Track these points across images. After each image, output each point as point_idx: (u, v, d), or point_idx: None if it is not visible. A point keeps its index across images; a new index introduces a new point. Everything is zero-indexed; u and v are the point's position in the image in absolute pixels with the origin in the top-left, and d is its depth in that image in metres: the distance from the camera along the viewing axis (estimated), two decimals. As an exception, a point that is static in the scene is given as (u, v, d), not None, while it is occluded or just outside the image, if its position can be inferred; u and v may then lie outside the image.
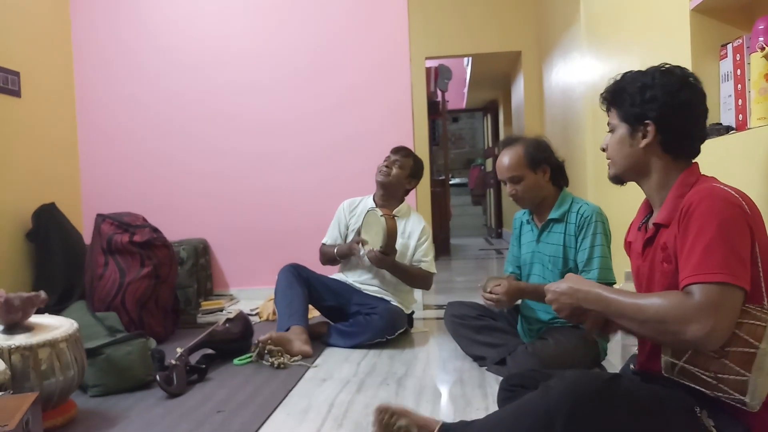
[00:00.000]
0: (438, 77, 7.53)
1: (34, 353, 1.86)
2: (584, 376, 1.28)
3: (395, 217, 2.93)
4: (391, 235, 2.84)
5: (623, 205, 2.46)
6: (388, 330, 2.91)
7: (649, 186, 1.45)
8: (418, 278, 3.10)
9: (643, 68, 1.45)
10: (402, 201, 3.25)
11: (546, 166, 2.39)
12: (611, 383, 1.26)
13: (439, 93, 7.80)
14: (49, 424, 1.91)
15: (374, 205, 3.17)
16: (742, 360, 1.17)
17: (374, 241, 2.92)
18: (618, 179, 1.50)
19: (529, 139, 2.45)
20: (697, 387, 1.25)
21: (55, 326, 2.02)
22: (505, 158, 2.40)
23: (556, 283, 1.48)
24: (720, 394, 1.22)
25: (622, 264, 2.28)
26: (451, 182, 9.62)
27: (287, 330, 2.79)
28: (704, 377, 1.22)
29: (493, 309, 2.49)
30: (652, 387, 1.35)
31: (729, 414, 1.23)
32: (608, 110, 1.50)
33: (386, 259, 2.91)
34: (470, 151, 13.89)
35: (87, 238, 3.55)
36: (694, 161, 1.43)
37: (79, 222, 4.05)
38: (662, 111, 1.38)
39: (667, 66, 1.42)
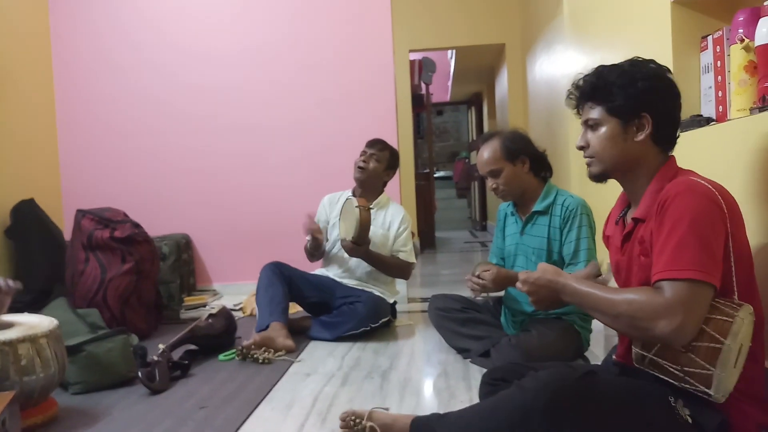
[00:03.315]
0: (422, 70, 7.51)
1: (13, 348, 1.83)
2: (558, 373, 1.29)
3: (370, 209, 2.94)
4: (363, 226, 2.85)
5: (608, 197, 2.47)
6: (372, 318, 2.91)
7: (631, 180, 1.44)
8: (393, 268, 3.11)
9: (626, 59, 1.44)
10: (381, 193, 3.25)
11: (524, 157, 2.39)
12: (585, 378, 1.27)
13: (423, 86, 7.79)
14: (29, 422, 1.88)
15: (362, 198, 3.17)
16: (707, 355, 1.18)
17: (348, 230, 2.93)
18: (603, 176, 1.46)
19: (506, 132, 2.47)
20: (666, 378, 1.27)
21: (35, 323, 1.99)
22: (484, 153, 2.42)
23: (532, 273, 1.47)
24: (687, 386, 1.23)
25: (605, 256, 2.30)
26: (435, 175, 9.62)
27: (267, 327, 2.78)
28: (672, 370, 1.24)
29: (476, 298, 2.49)
30: (628, 380, 1.36)
31: (706, 403, 1.25)
32: (582, 107, 1.47)
33: (358, 249, 2.92)
34: (455, 144, 13.93)
35: (67, 234, 3.51)
36: (671, 154, 1.43)
37: (59, 218, 4.00)
38: (659, 102, 1.38)
39: (641, 58, 1.42)
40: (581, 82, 1.47)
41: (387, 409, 1.83)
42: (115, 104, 4.19)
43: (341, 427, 1.71)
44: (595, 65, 1.48)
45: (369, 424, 1.65)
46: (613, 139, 1.41)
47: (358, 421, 1.67)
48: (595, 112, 1.43)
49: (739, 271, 1.26)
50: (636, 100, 1.37)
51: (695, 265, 1.19)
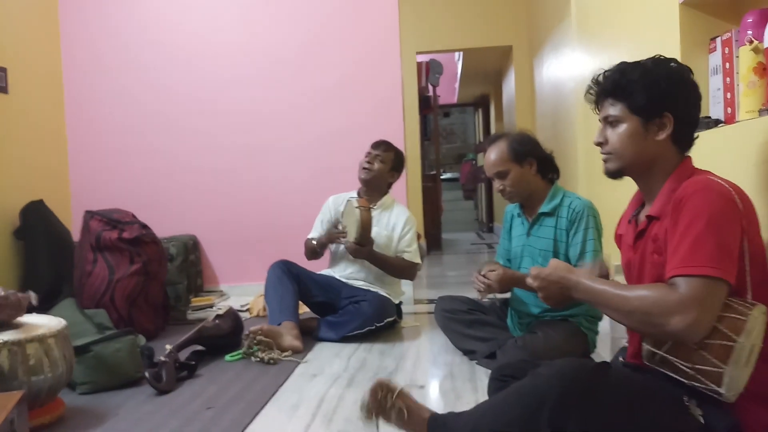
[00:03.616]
0: (429, 72, 7.52)
1: (22, 348, 1.84)
2: (573, 362, 1.29)
3: (370, 209, 2.94)
4: (364, 226, 2.85)
5: (614, 198, 2.46)
6: (377, 317, 2.92)
7: (647, 179, 1.43)
8: (398, 268, 3.11)
9: (648, 57, 1.43)
10: (386, 194, 3.26)
11: (532, 159, 2.39)
12: (600, 369, 1.28)
13: (430, 88, 7.80)
14: (36, 422, 1.89)
15: (363, 199, 3.18)
16: (720, 353, 1.18)
17: (351, 231, 2.93)
18: (620, 174, 1.46)
19: (513, 133, 2.47)
20: (676, 376, 1.26)
21: (43, 323, 2.00)
22: (491, 154, 2.41)
23: (544, 269, 1.47)
24: (697, 384, 1.23)
25: (611, 257, 2.29)
26: (442, 177, 9.62)
27: (279, 325, 2.79)
28: (683, 367, 1.24)
29: (482, 300, 2.49)
30: (643, 375, 1.36)
31: (717, 404, 1.24)
32: (603, 103, 1.46)
33: (362, 249, 2.92)
34: (462, 146, 13.91)
35: (76, 235, 3.53)
36: (688, 155, 1.43)
37: (67, 219, 4.02)
38: (681, 102, 1.37)
39: (662, 57, 1.42)
40: (602, 78, 1.45)
41: (422, 387, 1.71)
42: (123, 106, 4.21)
43: (370, 389, 1.60)
44: (603, 68, 1.48)
45: (399, 403, 1.57)
46: (634, 137, 1.40)
47: (389, 394, 1.59)
48: (615, 109, 1.42)
49: (753, 271, 1.25)
50: (659, 100, 1.36)
51: (711, 261, 1.19)
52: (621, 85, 1.41)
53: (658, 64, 1.40)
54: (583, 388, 1.23)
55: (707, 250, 1.20)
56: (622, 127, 1.41)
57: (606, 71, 1.46)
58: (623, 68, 1.42)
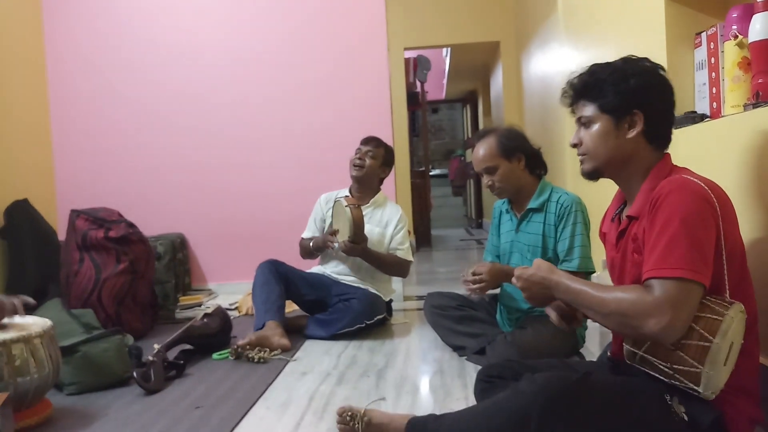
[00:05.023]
0: (417, 68, 7.52)
1: (7, 349, 1.82)
2: (554, 376, 1.30)
3: (360, 206, 2.94)
4: (357, 223, 2.85)
5: (602, 194, 2.47)
6: (367, 314, 2.92)
7: (626, 178, 1.45)
8: (392, 266, 3.11)
9: (620, 57, 1.44)
10: (378, 191, 3.26)
11: (520, 155, 2.39)
12: (581, 381, 1.28)
13: (418, 84, 7.79)
14: (23, 423, 1.88)
15: (350, 197, 3.18)
16: (696, 353, 1.19)
17: (343, 231, 2.93)
18: (596, 174, 1.47)
19: (502, 128, 2.47)
20: (656, 375, 1.27)
21: (29, 324, 1.98)
22: (479, 150, 2.41)
23: (527, 269, 1.48)
24: (676, 383, 1.24)
25: (599, 252, 2.30)
26: (431, 173, 9.63)
27: (263, 326, 2.78)
28: (662, 367, 1.25)
29: (473, 297, 2.49)
30: (624, 379, 1.37)
31: (700, 399, 1.25)
32: (576, 104, 1.48)
33: (356, 247, 2.92)
34: (450, 142, 13.92)
35: (61, 234, 3.49)
36: (666, 152, 1.44)
37: (53, 218, 3.98)
38: (651, 99, 1.38)
39: (634, 56, 1.43)
40: (575, 80, 1.48)
41: (383, 399, 1.79)
42: (109, 104, 4.17)
43: (338, 422, 1.70)
44: (589, 63, 1.49)
45: (365, 418, 1.65)
46: (605, 136, 1.41)
47: (355, 416, 1.67)
48: (588, 110, 1.44)
49: (730, 268, 1.26)
50: (628, 97, 1.38)
51: (685, 263, 1.20)
52: (591, 86, 1.43)
53: (628, 62, 1.41)
54: (566, 405, 1.23)
55: (681, 251, 1.20)
56: (595, 127, 1.43)
57: (578, 73, 1.48)
58: (593, 69, 1.45)
